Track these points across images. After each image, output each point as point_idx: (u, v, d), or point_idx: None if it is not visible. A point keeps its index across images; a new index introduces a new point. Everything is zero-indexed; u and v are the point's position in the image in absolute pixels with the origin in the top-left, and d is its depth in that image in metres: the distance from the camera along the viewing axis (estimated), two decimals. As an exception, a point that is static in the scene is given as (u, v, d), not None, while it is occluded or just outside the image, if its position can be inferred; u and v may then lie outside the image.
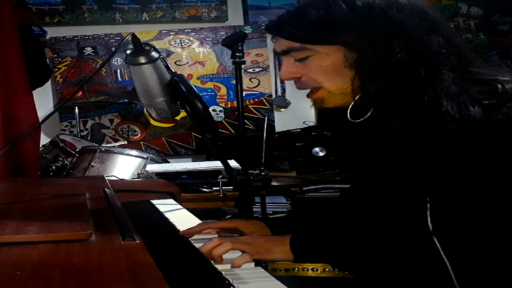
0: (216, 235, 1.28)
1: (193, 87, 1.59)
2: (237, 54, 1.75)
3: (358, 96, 1.07)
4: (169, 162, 3.09)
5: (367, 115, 1.08)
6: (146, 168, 2.77)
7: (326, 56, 1.06)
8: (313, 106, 1.18)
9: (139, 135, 4.11)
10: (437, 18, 1.06)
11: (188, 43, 4.14)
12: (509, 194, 0.94)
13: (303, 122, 3.92)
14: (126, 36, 1.48)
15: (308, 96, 1.15)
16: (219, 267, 1.04)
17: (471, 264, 0.96)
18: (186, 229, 1.29)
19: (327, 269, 1.22)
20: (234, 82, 1.82)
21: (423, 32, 1.02)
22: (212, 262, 1.08)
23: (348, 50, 1.04)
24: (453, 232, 0.97)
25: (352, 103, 1.09)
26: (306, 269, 1.22)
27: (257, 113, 4.15)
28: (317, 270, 1.22)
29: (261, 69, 4.17)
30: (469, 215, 0.96)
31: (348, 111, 1.10)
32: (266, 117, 4.00)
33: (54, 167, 2.75)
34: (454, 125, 0.96)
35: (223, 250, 1.09)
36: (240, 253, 1.10)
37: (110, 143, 4.06)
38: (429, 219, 0.98)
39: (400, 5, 1.03)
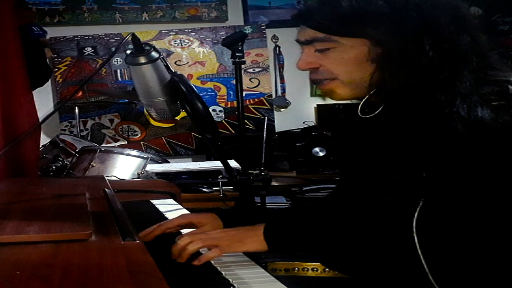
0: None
1: (193, 87, 1.59)
2: (237, 54, 1.75)
3: (372, 92, 1.06)
4: (169, 162, 3.09)
5: (377, 111, 1.07)
6: (146, 168, 2.77)
7: (350, 48, 1.04)
8: (322, 98, 1.16)
9: (139, 135, 4.11)
10: (468, 16, 1.04)
11: (188, 43, 4.14)
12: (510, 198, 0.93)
13: (303, 122, 3.91)
14: (126, 36, 1.48)
15: (318, 86, 1.13)
16: (219, 267, 1.05)
17: (448, 266, 0.95)
18: (145, 232, 1.26)
19: (327, 269, 1.22)
20: (234, 82, 1.82)
21: (454, 30, 1.00)
22: (212, 262, 1.08)
23: (374, 44, 1.02)
24: (435, 233, 0.96)
25: (366, 98, 1.07)
26: (306, 269, 1.22)
27: (257, 113, 4.15)
28: (317, 270, 1.22)
29: (261, 69, 4.17)
30: (458, 218, 0.95)
31: (360, 106, 1.09)
32: (266, 117, 4.00)
33: (54, 167, 2.75)
34: (461, 126, 0.94)
35: (194, 249, 1.09)
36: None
37: (110, 143, 4.05)
38: (415, 216, 0.97)
39: (435, 0, 1.01)
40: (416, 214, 0.97)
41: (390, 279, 1.00)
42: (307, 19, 1.10)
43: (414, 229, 0.97)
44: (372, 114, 1.08)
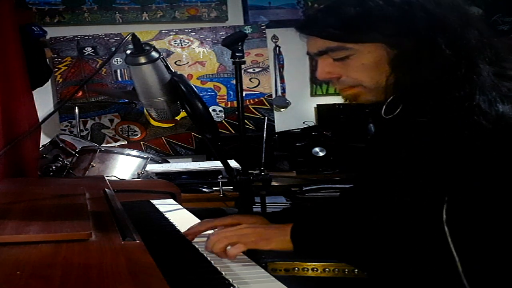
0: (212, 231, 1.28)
1: (193, 87, 1.59)
2: (237, 54, 1.75)
3: (395, 93, 1.06)
4: (169, 162, 3.09)
5: (397, 110, 1.07)
6: (146, 168, 2.77)
7: (367, 54, 1.04)
8: (346, 101, 1.14)
9: (139, 135, 4.11)
10: (470, 12, 1.05)
11: (188, 43, 4.14)
12: None
13: (303, 122, 3.92)
14: (126, 36, 1.48)
15: (340, 91, 1.12)
16: (219, 267, 1.05)
17: (480, 260, 0.94)
18: (189, 228, 1.28)
19: (327, 269, 1.22)
20: (234, 82, 1.82)
21: (462, 26, 1.00)
22: (212, 262, 1.08)
23: (390, 46, 1.02)
24: (467, 226, 0.95)
25: (390, 98, 1.07)
26: (306, 269, 1.22)
27: (257, 113, 4.15)
28: (317, 270, 1.22)
29: (261, 69, 4.17)
30: (487, 212, 0.94)
31: (384, 107, 1.08)
32: (266, 117, 4.00)
33: (54, 167, 2.75)
34: (484, 119, 0.93)
35: (219, 247, 1.09)
36: None
37: (110, 143, 4.06)
38: (444, 210, 0.96)
39: None
40: (444, 211, 0.96)
41: (420, 278, 0.99)
42: (314, 29, 1.07)
43: (445, 227, 0.95)
44: (392, 115, 1.08)
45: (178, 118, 3.70)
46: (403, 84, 1.03)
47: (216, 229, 1.25)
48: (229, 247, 1.10)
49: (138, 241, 0.98)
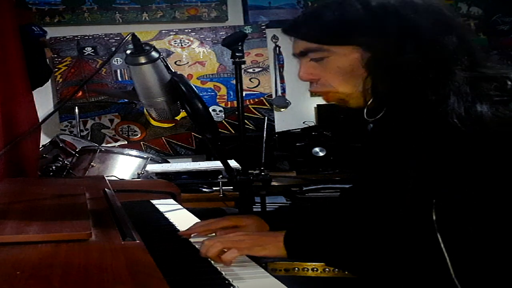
0: (213, 234, 1.28)
1: (193, 87, 1.59)
2: (237, 54, 1.75)
3: (372, 96, 1.08)
4: (169, 162, 3.09)
5: (380, 114, 1.09)
6: (146, 168, 2.77)
7: (343, 56, 1.07)
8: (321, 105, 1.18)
9: (139, 135, 4.11)
10: (452, 17, 1.06)
11: (188, 43, 4.14)
12: None
13: (303, 122, 3.92)
14: (126, 36, 1.48)
15: (322, 96, 1.15)
16: (219, 267, 1.05)
17: (472, 262, 0.95)
18: (186, 230, 1.29)
19: (327, 269, 1.22)
20: (234, 82, 1.82)
21: (438, 32, 1.02)
22: (212, 262, 1.08)
23: (364, 50, 1.05)
24: (457, 227, 0.96)
25: (369, 103, 1.09)
26: (306, 269, 1.22)
27: (257, 113, 4.15)
28: (317, 270, 1.22)
29: (261, 69, 4.17)
30: (475, 214, 0.95)
31: (365, 110, 1.11)
32: (266, 117, 4.00)
33: (54, 167, 2.75)
34: (459, 121, 0.95)
35: (213, 252, 1.09)
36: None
37: (110, 143, 4.06)
38: (434, 214, 0.97)
39: (415, 5, 1.04)
40: (434, 213, 0.97)
41: (412, 279, 1.00)
42: (296, 31, 1.14)
43: (436, 228, 0.96)
44: (374, 118, 1.10)
45: (178, 118, 3.70)
46: (379, 88, 1.06)
47: (212, 234, 1.26)
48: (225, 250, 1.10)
49: (138, 241, 0.98)
